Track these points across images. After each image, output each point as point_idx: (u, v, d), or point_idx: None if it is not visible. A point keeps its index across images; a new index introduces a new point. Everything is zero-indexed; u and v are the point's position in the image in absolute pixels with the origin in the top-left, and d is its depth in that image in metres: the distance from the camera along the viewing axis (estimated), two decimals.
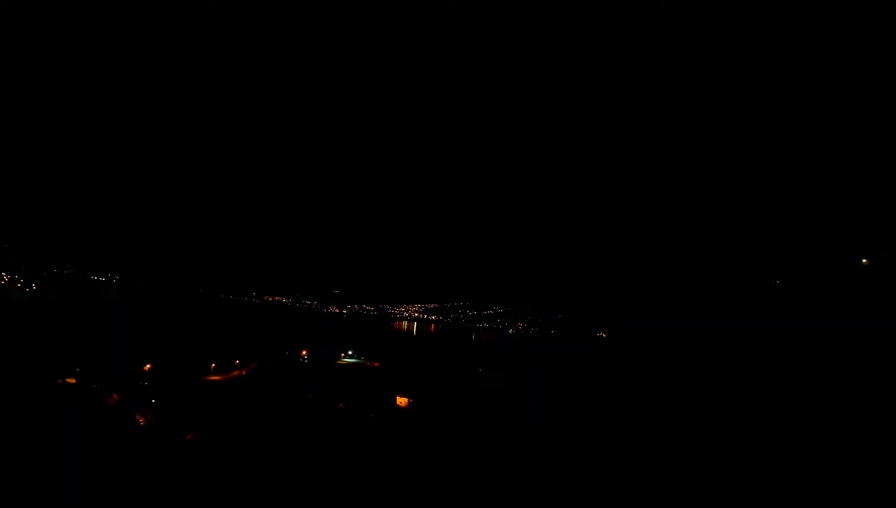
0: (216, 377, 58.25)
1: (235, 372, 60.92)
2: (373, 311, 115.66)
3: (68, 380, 46.06)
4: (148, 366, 52.05)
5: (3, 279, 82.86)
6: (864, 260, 51.31)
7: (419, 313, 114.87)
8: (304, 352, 74.68)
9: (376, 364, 76.05)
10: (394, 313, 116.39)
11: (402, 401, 57.38)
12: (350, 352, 79.61)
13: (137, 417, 41.43)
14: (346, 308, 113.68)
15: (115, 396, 44.41)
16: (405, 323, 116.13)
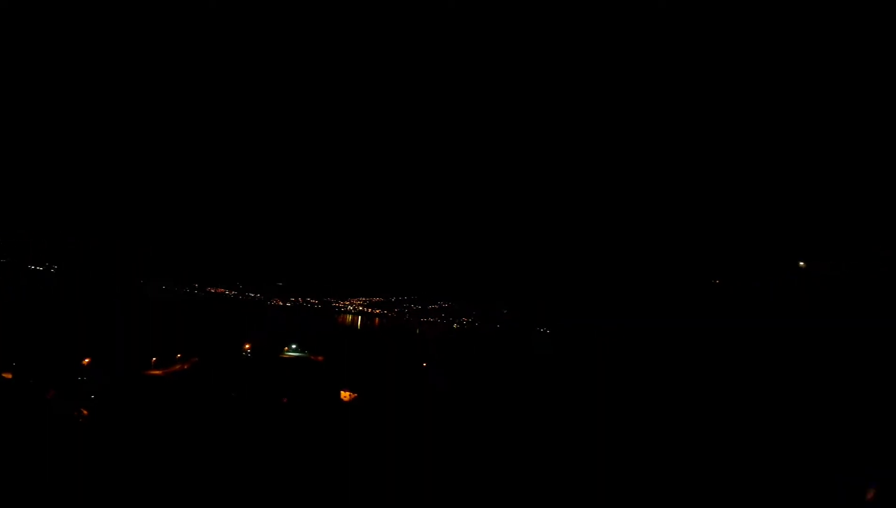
0: (157, 372, 57.41)
1: (177, 366, 60.08)
2: (317, 304, 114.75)
3: (4, 375, 45.02)
4: (86, 360, 51.07)
5: None
6: (801, 263, 53.08)
7: (364, 306, 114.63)
8: (246, 346, 74.01)
9: (320, 359, 75.81)
10: (338, 307, 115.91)
11: (346, 396, 57.49)
12: (293, 346, 79.23)
13: (74, 413, 40.72)
14: (291, 301, 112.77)
15: (51, 392, 43.50)
16: (349, 317, 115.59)
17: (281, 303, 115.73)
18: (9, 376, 44.85)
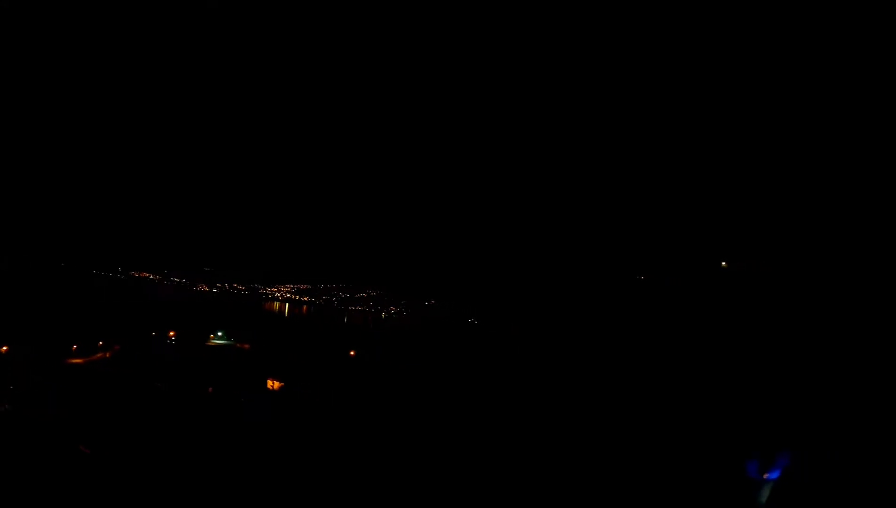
0: (78, 360, 56.12)
1: (99, 355, 58.81)
2: (244, 291, 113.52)
3: None
4: (4, 349, 49.64)
5: None
6: (722, 263, 55.02)
7: (291, 293, 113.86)
8: (171, 333, 72.89)
9: (246, 346, 75.18)
10: (265, 294, 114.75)
11: (273, 384, 57.22)
12: (220, 333, 78.31)
13: None
14: (217, 287, 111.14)
15: None
16: (277, 304, 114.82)
17: (207, 289, 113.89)
18: None
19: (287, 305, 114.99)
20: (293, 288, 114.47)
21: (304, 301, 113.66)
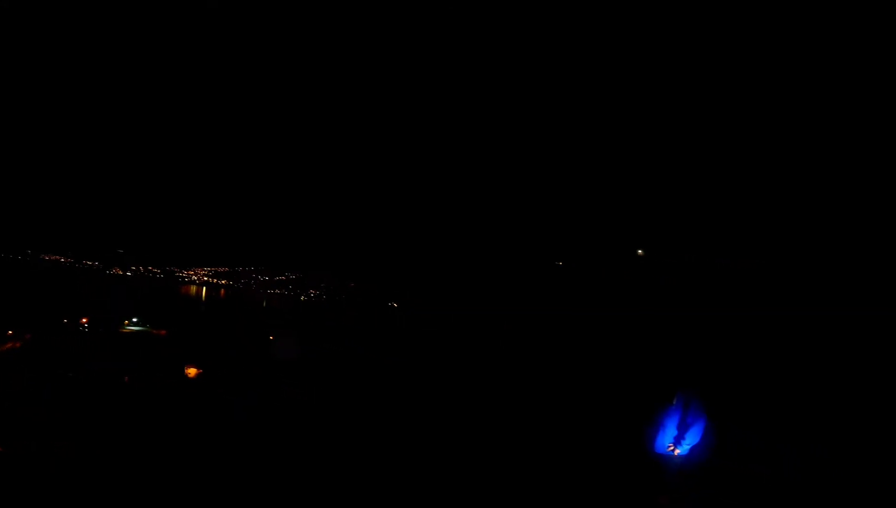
0: None
1: (8, 344, 57.41)
2: (159, 274, 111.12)
3: None
4: None
5: None
6: (639, 251, 57.31)
7: (209, 277, 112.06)
8: (84, 320, 71.39)
9: (163, 333, 74.33)
10: (182, 277, 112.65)
11: (191, 372, 57.04)
12: (135, 319, 77.09)
13: None
14: (131, 270, 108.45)
15: None
16: (194, 288, 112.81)
17: (121, 272, 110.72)
18: None
19: (204, 288, 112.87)
20: (210, 271, 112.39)
21: (222, 285, 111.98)
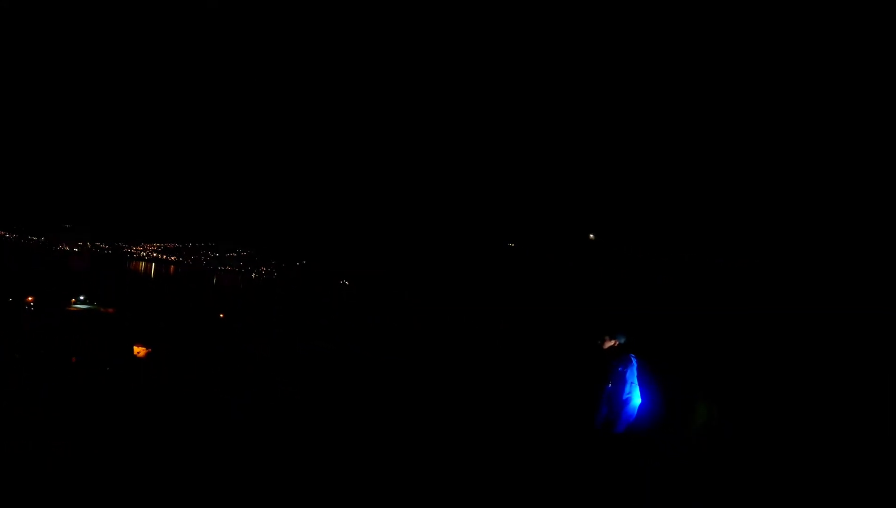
0: None
1: None
2: (107, 250, 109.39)
3: None
4: None
5: None
6: (591, 235, 58.63)
7: (158, 253, 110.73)
8: (29, 298, 70.36)
9: (111, 311, 73.47)
10: (131, 253, 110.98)
11: (140, 351, 57.01)
12: (82, 297, 76.11)
13: None
14: (79, 246, 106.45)
15: None
16: (143, 264, 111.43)
17: (68, 248, 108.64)
18: None
19: (153, 265, 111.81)
20: (160, 247, 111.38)
21: (172, 261, 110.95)
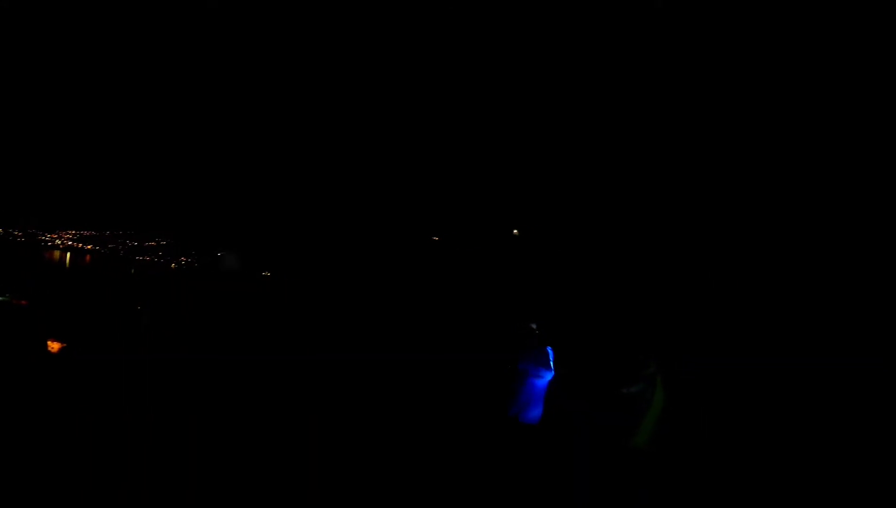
0: None
1: None
2: (20, 237, 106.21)
3: None
4: None
5: None
6: (514, 231, 59.91)
7: (74, 241, 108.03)
8: None
9: (23, 303, 71.93)
10: (45, 241, 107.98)
11: (54, 346, 56.33)
12: None
13: None
14: None
15: None
16: (58, 253, 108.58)
17: None
18: None
19: (69, 254, 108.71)
20: (76, 234, 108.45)
21: (88, 250, 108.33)
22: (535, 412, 7.16)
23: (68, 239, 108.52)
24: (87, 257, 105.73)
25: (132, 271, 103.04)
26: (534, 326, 7.65)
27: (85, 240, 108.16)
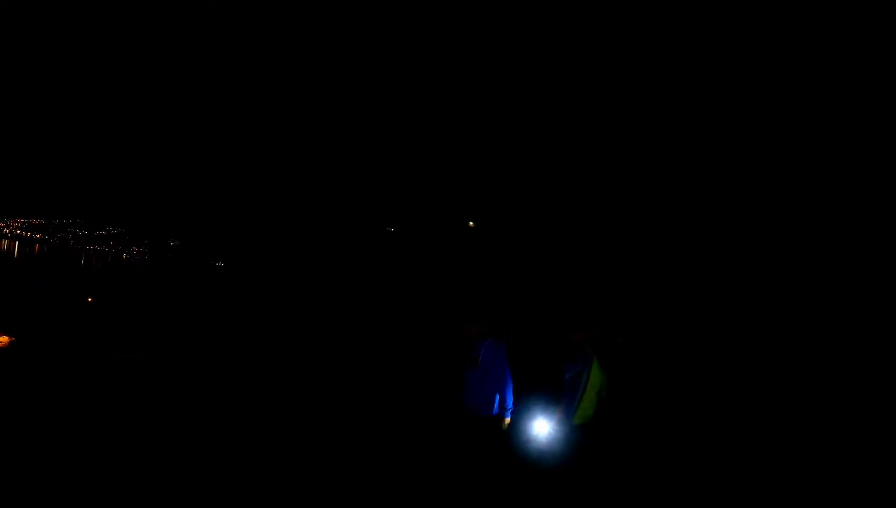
0: None
1: None
2: None
3: None
4: None
5: None
6: (470, 223, 61.06)
7: (22, 230, 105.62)
8: None
9: None
10: None
11: (2, 340, 55.82)
12: None
13: None
14: None
15: None
16: (5, 242, 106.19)
17: None
18: None
19: (17, 243, 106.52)
20: (24, 223, 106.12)
21: (37, 239, 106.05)
22: (492, 405, 7.33)
23: (16, 228, 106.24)
24: (36, 247, 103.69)
25: (82, 260, 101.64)
26: (490, 323, 7.62)
27: (33, 229, 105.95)
